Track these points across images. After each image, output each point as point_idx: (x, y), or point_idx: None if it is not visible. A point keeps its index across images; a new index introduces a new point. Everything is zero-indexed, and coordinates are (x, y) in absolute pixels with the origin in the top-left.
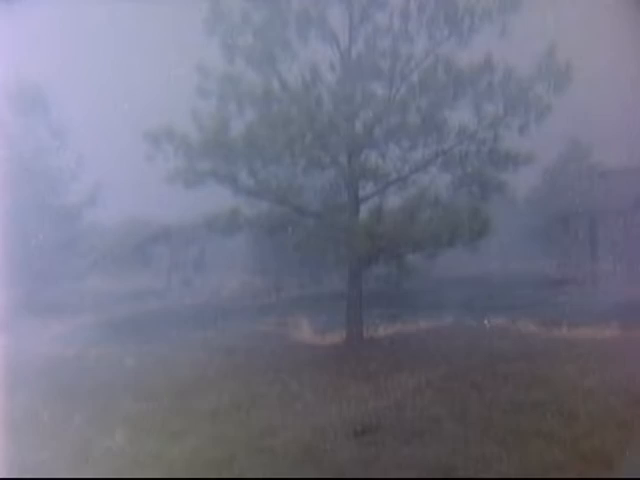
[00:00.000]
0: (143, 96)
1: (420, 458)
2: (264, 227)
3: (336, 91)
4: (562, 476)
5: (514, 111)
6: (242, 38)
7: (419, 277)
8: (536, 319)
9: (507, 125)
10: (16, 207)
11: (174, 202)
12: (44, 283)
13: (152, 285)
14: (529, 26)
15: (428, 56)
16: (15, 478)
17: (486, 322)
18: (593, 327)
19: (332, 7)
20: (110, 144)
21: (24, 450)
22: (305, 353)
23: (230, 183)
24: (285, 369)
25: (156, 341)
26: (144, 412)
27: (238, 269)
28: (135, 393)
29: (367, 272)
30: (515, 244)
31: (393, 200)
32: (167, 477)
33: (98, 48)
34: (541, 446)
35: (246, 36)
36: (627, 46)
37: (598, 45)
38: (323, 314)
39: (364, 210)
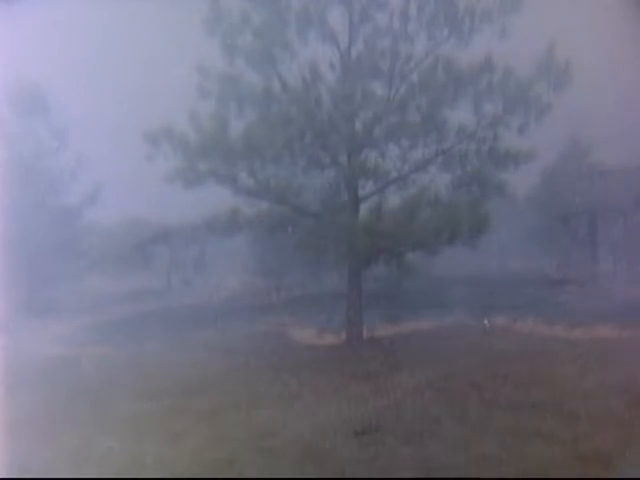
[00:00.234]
0: (143, 96)
1: (420, 458)
2: (264, 227)
3: (336, 91)
4: (562, 476)
5: (514, 110)
6: (242, 38)
7: (419, 277)
8: (536, 319)
9: (507, 124)
10: (16, 207)
11: (174, 202)
12: (43, 283)
13: (152, 285)
14: (529, 26)
15: (428, 56)
16: (15, 478)
17: (486, 322)
18: (593, 327)
19: (332, 7)
20: (110, 144)
21: (24, 450)
22: (305, 353)
23: (230, 183)
24: (285, 369)
25: (156, 341)
26: (144, 412)
27: (238, 269)
28: (135, 393)
29: (367, 272)
30: (515, 243)
31: (393, 199)
32: (167, 477)
33: (98, 48)
34: (541, 446)
35: (246, 36)
36: (627, 46)
37: (598, 45)
38: (323, 314)
39: (364, 209)
